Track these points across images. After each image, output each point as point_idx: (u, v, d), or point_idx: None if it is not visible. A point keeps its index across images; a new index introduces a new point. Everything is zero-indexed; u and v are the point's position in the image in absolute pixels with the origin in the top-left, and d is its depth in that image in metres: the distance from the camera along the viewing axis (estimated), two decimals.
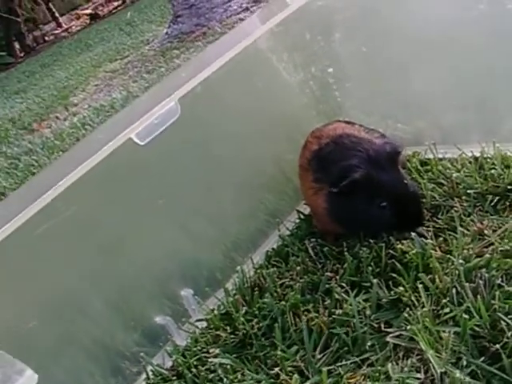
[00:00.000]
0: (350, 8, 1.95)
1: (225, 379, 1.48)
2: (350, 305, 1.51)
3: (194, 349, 1.64)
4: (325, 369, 1.37)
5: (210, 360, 1.57)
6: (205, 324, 1.74)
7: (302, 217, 2.01)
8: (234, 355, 1.56)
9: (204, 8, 6.06)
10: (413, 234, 1.64)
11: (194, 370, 1.56)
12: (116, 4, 12.89)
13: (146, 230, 1.73)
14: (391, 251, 1.64)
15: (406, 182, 1.65)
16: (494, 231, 1.59)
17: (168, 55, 5.65)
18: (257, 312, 1.65)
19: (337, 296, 1.57)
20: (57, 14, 12.48)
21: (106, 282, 1.67)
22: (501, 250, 1.49)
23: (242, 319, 1.63)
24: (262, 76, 1.97)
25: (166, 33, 6.36)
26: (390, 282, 1.56)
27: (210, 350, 1.61)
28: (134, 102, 3.28)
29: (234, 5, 6.02)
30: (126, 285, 1.69)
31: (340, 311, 1.51)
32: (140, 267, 1.72)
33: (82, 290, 1.61)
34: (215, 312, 1.75)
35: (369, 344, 1.42)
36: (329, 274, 1.68)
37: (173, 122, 1.60)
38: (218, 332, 1.67)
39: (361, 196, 1.63)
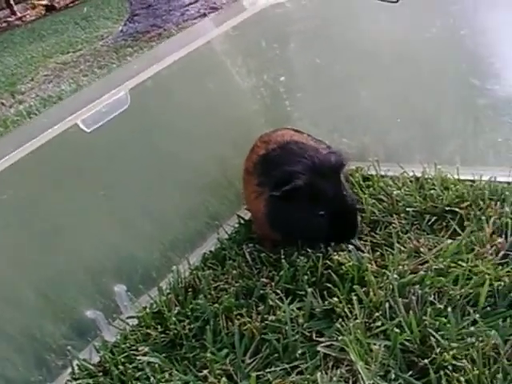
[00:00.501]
0: (307, 19, 1.97)
1: (152, 378, 1.45)
2: (284, 312, 1.51)
3: (123, 346, 1.61)
4: (254, 374, 1.37)
5: (138, 358, 1.54)
6: (136, 321, 1.71)
7: (241, 222, 2.01)
8: (163, 355, 1.54)
9: (161, 10, 6.03)
10: (350, 246, 1.66)
11: (121, 367, 1.53)
12: None
13: (84, 221, 1.69)
14: (328, 262, 1.65)
15: (345, 193, 1.67)
16: (430, 250, 1.62)
17: (121, 52, 5.59)
18: (189, 313, 1.64)
19: (271, 302, 1.57)
20: (12, 2, 12.22)
21: (38, 270, 1.62)
22: (435, 268, 1.52)
23: (173, 319, 1.62)
24: (214, 78, 1.96)
25: (121, 30, 6.31)
26: (325, 292, 1.57)
27: (139, 348, 1.58)
28: (83, 89, 3.22)
29: (192, 10, 6.02)
30: (58, 275, 1.65)
31: (273, 317, 1.51)
32: (74, 258, 1.68)
33: (10, 277, 1.55)
34: (147, 310, 1.72)
35: (299, 352, 1.42)
36: (264, 280, 1.68)
37: (121, 113, 1.58)
38: (148, 330, 1.64)
39: (300, 203, 1.63)
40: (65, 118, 1.48)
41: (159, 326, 1.64)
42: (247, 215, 1.99)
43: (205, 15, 5.90)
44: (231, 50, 1.98)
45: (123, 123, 1.58)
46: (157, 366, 1.49)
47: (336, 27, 1.94)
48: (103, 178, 1.70)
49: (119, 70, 2.43)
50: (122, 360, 1.56)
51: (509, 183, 1.78)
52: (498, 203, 1.70)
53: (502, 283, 1.43)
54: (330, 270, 1.62)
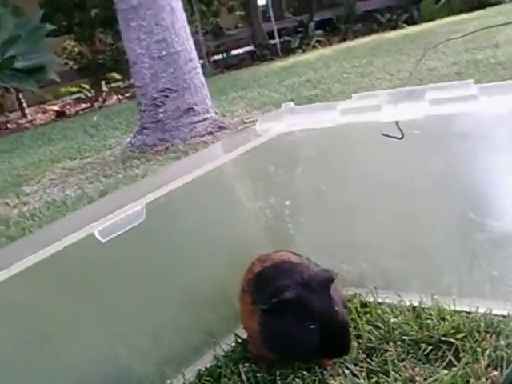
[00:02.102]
0: (315, 147, 2.06)
1: None
2: None
3: None
4: None
5: None
6: None
7: (239, 340, 2.02)
8: None
9: (170, 125, 6.24)
10: (346, 371, 1.67)
11: None
12: (84, 106, 13.12)
13: (81, 331, 1.70)
14: None
15: (336, 308, 1.70)
16: (425, 379, 1.62)
17: (128, 163, 5.73)
18: None
19: None
20: (24, 105, 12.61)
21: (27, 379, 1.61)
22: None
23: None
24: (222, 198, 2.05)
25: (130, 142, 6.48)
26: None
27: None
28: (102, 199, 3.29)
29: (200, 127, 6.22)
30: None
31: None
32: (68, 369, 1.69)
33: None
34: None
35: None
36: None
37: (134, 226, 1.64)
38: None
39: (290, 317, 1.66)
40: (82, 226, 1.53)
41: None
42: (244, 335, 2.01)
43: (212, 133, 6.10)
44: (241, 173, 2.08)
45: (135, 237, 1.64)
46: None
47: (341, 157, 2.04)
48: (106, 288, 1.73)
49: (136, 186, 2.50)
50: None
51: (504, 316, 1.81)
52: (494, 336, 1.72)
53: None
54: None
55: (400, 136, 1.75)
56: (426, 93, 1.74)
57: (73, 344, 1.69)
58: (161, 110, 6.22)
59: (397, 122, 1.76)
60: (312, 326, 1.64)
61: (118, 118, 9.34)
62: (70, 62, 13.18)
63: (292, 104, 2.07)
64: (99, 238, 1.56)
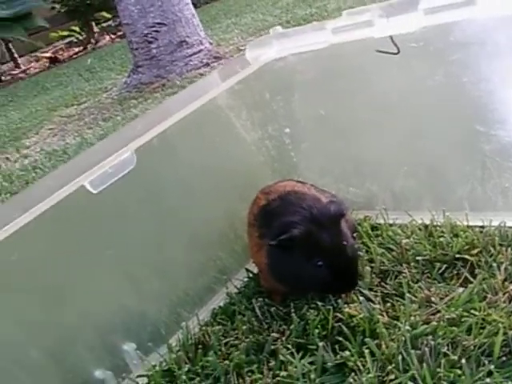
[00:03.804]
0: (310, 71, 1.99)
1: None
2: (295, 367, 1.49)
3: None
4: None
5: None
6: (145, 380, 1.69)
7: (250, 275, 2.00)
8: None
9: (165, 60, 6.12)
10: (361, 298, 1.64)
11: None
12: (77, 50, 12.88)
13: (92, 280, 1.68)
14: (339, 314, 1.63)
15: (345, 243, 1.65)
16: (441, 299, 1.60)
17: (125, 104, 5.65)
18: (199, 370, 1.61)
19: (282, 358, 1.55)
20: (16, 55, 12.39)
21: (45, 331, 1.60)
22: (447, 318, 1.49)
23: (183, 377, 1.59)
24: (219, 132, 1.98)
25: (125, 82, 6.38)
26: (337, 346, 1.54)
27: None
28: (88, 149, 3.24)
29: (195, 60, 6.10)
30: (66, 335, 1.63)
31: (285, 373, 1.49)
32: (82, 318, 1.66)
33: (17, 338, 1.54)
34: (157, 368, 1.69)
35: None
36: (275, 334, 1.66)
37: (127, 172, 1.58)
38: None
39: (298, 253, 1.62)
40: (72, 179, 1.48)
41: None
42: (255, 269, 1.97)
43: (208, 65, 5.98)
44: (236, 104, 2.00)
45: (129, 183, 1.59)
46: None
47: (338, 78, 1.96)
48: (110, 236, 1.69)
49: (124, 129, 2.43)
50: None
51: None
52: (509, 249, 1.68)
53: None
54: (340, 323, 1.61)
55: (396, 51, 1.66)
56: (420, 2, 1.63)
57: (85, 295, 1.67)
58: (153, 46, 6.09)
59: (391, 37, 1.68)
60: (320, 263, 1.61)
61: (111, 59, 9.20)
62: (57, 6, 12.79)
63: (280, 28, 1.97)
64: (90, 189, 1.51)
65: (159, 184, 1.79)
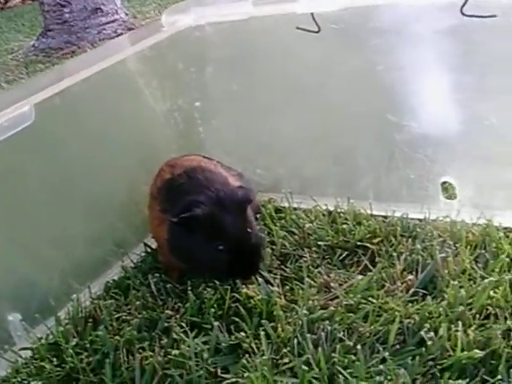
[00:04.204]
0: (227, 44, 1.94)
1: None
2: (188, 346, 1.44)
3: (14, 380, 1.49)
4: None
5: None
6: (30, 353, 1.59)
7: (148, 250, 1.93)
8: None
9: (77, 27, 5.89)
10: (260, 279, 1.61)
11: None
12: None
13: None
14: (236, 295, 1.60)
15: (249, 230, 1.61)
16: (340, 285, 1.60)
17: (31, 68, 5.40)
18: (88, 345, 1.53)
19: (175, 336, 1.50)
20: None
21: None
22: (345, 304, 1.49)
23: (70, 351, 1.51)
24: (126, 98, 1.88)
25: (33, 45, 6.11)
26: (232, 327, 1.51)
27: (32, 383, 1.47)
28: None
29: (109, 29, 5.91)
30: None
31: (176, 352, 1.43)
32: None
33: None
34: (42, 341, 1.60)
35: None
36: (169, 312, 1.61)
37: (24, 128, 1.48)
38: (42, 363, 1.52)
39: (200, 234, 1.57)
40: None
41: (55, 359, 1.53)
42: (154, 244, 1.91)
43: (121, 36, 5.81)
44: (146, 71, 1.91)
45: (26, 140, 1.48)
46: None
47: (256, 55, 1.92)
48: (3, 195, 1.58)
49: (25, 83, 2.31)
50: None
51: (420, 220, 1.80)
52: (410, 240, 1.71)
53: (412, 320, 1.41)
54: (237, 304, 1.57)
55: (316, 30, 1.63)
56: None
57: None
58: (66, 10, 5.84)
59: (312, 15, 1.64)
60: (221, 247, 1.56)
61: (21, 20, 8.79)
62: None
63: None
64: None
65: (58, 145, 1.68)
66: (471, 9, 1.42)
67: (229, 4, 1.82)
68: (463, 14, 1.40)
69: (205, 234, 1.57)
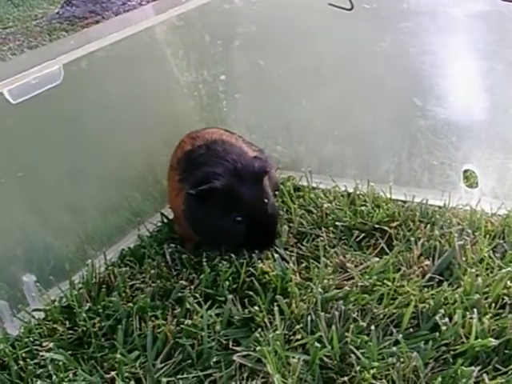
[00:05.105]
0: (255, 19, 1.92)
1: (54, 376, 1.35)
2: (201, 317, 1.45)
3: (26, 340, 1.49)
4: (164, 379, 1.30)
5: (41, 354, 1.43)
6: (43, 315, 1.60)
7: (165, 220, 1.93)
8: (69, 352, 1.43)
9: None
10: (275, 255, 1.61)
11: (21, 362, 1.41)
12: None
13: None
14: (251, 269, 1.59)
15: (266, 202, 1.63)
16: (356, 266, 1.59)
17: (55, 35, 5.39)
18: (101, 310, 1.54)
19: (188, 306, 1.50)
20: None
21: None
22: (360, 285, 1.49)
23: (83, 315, 1.51)
24: (152, 67, 1.86)
25: (58, 12, 6.09)
26: (246, 300, 1.51)
27: (44, 344, 1.47)
28: (12, 59, 3.05)
29: (134, 0, 5.88)
30: None
31: (189, 322, 1.44)
32: None
33: None
34: (56, 304, 1.61)
35: (214, 360, 1.36)
36: (183, 282, 1.61)
37: (51, 87, 1.47)
38: (55, 325, 1.53)
39: (217, 205, 1.59)
40: None
41: (67, 322, 1.54)
42: (171, 215, 1.90)
43: None
44: (173, 40, 1.90)
45: (52, 100, 1.47)
46: (61, 363, 1.38)
47: (285, 31, 1.90)
48: (23, 156, 1.57)
49: (53, 44, 2.29)
50: (24, 355, 1.44)
51: (440, 207, 1.79)
52: (428, 226, 1.70)
53: (427, 305, 1.42)
54: (252, 278, 1.57)
55: (349, 7, 1.61)
56: None
57: None
58: None
59: None
60: (238, 218, 1.59)
61: None
62: None
63: None
64: (9, 98, 1.40)
65: (82, 109, 1.66)
66: None
67: None
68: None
69: (222, 205, 1.59)
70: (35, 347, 1.47)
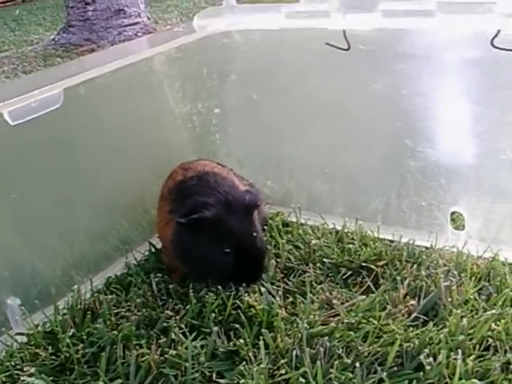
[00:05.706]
0: (253, 54, 1.95)
1: None
2: (186, 348, 1.44)
3: (7, 363, 1.48)
4: None
5: (22, 379, 1.42)
6: (25, 339, 1.59)
7: (152, 250, 1.93)
8: (51, 378, 1.42)
9: (99, 25, 5.94)
10: (262, 289, 1.62)
11: None
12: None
13: None
14: (238, 302, 1.59)
15: (255, 235, 1.64)
16: (342, 303, 1.59)
17: (49, 61, 5.44)
18: (85, 337, 1.53)
19: (173, 336, 1.49)
20: None
21: None
22: (346, 322, 1.49)
23: (67, 341, 1.50)
24: (148, 96, 1.89)
25: (54, 39, 6.15)
26: (231, 333, 1.51)
27: (25, 368, 1.45)
28: (13, 80, 3.06)
29: (130, 31, 5.95)
30: None
31: (173, 352, 1.43)
32: None
33: None
34: (39, 328, 1.60)
35: None
36: (169, 312, 1.60)
37: (51, 111, 1.48)
38: (37, 350, 1.52)
39: (206, 236, 1.60)
40: None
41: (50, 347, 1.52)
42: (159, 244, 1.91)
43: None
44: (171, 72, 1.93)
45: (51, 124, 1.49)
46: None
47: (281, 68, 1.93)
48: (17, 178, 1.58)
49: (54, 68, 2.31)
50: (4, 379, 1.43)
51: (427, 248, 1.80)
52: (415, 266, 1.70)
53: (411, 345, 1.41)
54: (238, 311, 1.57)
55: (346, 47, 1.64)
56: (380, 3, 1.62)
57: None
58: (90, 8, 5.90)
59: (344, 32, 1.65)
60: (227, 250, 1.60)
61: (42, 14, 8.86)
62: None
63: (234, 1, 1.91)
64: (8, 119, 1.41)
65: (77, 134, 1.68)
66: (501, 42, 1.43)
67: (262, 14, 1.84)
68: (494, 46, 1.41)
69: (211, 236, 1.60)
70: (16, 371, 1.46)
